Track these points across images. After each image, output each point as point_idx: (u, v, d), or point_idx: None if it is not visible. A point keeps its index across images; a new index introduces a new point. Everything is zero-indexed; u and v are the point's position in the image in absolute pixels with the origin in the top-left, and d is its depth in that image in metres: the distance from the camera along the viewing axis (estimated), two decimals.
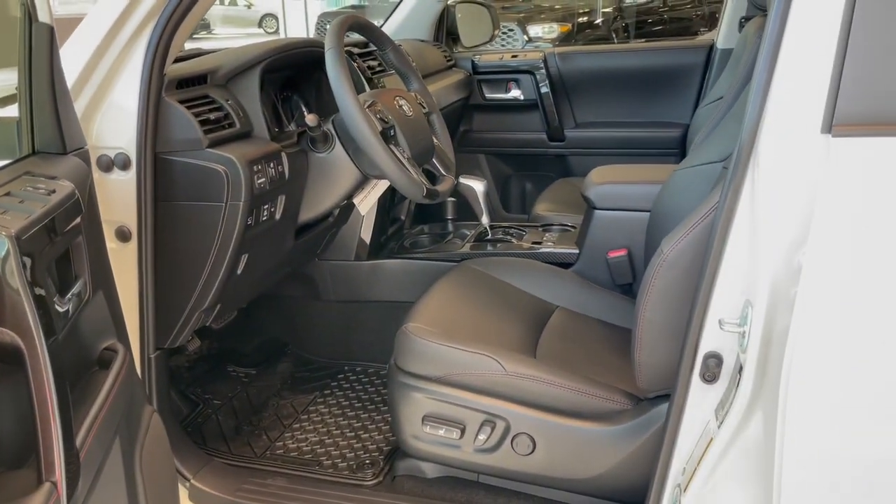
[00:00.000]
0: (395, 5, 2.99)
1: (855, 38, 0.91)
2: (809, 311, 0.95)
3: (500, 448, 1.50)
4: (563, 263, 2.01)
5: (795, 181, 0.98)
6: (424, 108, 1.88)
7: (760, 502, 1.10)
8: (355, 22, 1.74)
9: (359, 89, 1.75)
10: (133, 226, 1.47)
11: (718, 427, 1.10)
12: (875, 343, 0.96)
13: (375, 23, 2.11)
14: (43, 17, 1.05)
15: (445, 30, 3.11)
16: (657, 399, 1.40)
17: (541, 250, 2.12)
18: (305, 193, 1.79)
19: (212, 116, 1.54)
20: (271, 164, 1.59)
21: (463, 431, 1.51)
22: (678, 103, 2.90)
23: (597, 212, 1.98)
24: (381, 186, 1.95)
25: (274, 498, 1.66)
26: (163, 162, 1.48)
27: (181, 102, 1.49)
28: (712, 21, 6.39)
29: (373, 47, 2.01)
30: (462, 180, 2.17)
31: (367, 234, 2.21)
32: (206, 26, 14.61)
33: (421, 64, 2.54)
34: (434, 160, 1.86)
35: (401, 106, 1.74)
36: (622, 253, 1.91)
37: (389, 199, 2.39)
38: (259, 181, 1.54)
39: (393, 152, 1.59)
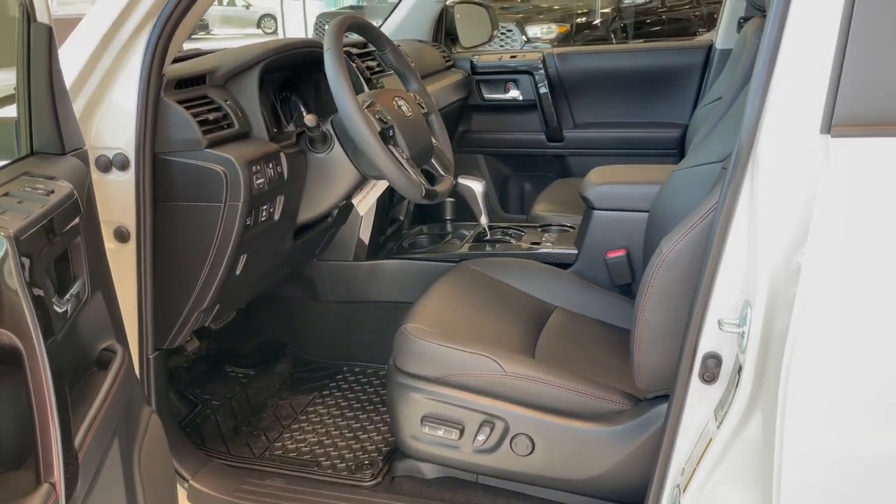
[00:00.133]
0: (394, 6, 2.98)
1: (854, 38, 0.91)
2: (809, 311, 0.95)
3: (499, 448, 1.50)
4: (562, 264, 2.01)
5: (794, 182, 0.98)
6: (423, 108, 1.88)
7: (760, 502, 1.10)
8: (354, 22, 1.74)
9: (358, 90, 1.75)
10: (132, 226, 1.47)
11: (718, 427, 1.10)
12: (874, 343, 0.96)
13: (374, 23, 2.11)
14: (41, 17, 1.05)
15: (444, 30, 3.11)
16: (656, 399, 1.40)
17: (539, 251, 2.12)
18: (304, 194, 1.79)
19: (210, 117, 1.54)
20: (270, 165, 1.59)
21: (462, 432, 1.51)
22: (677, 104, 2.90)
23: (595, 212, 1.98)
24: (379, 187, 1.94)
25: (273, 498, 1.65)
26: (161, 162, 1.48)
27: (180, 103, 1.49)
28: (711, 22, 6.39)
29: (372, 48, 2.01)
30: (461, 181, 2.17)
31: (365, 235, 2.21)
32: (204, 27, 14.61)
33: (420, 64, 2.54)
34: (433, 160, 1.86)
35: (400, 106, 1.74)
36: (621, 253, 1.91)
37: (388, 200, 2.39)
38: (258, 182, 1.54)
39: (392, 153, 1.59)
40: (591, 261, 1.98)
